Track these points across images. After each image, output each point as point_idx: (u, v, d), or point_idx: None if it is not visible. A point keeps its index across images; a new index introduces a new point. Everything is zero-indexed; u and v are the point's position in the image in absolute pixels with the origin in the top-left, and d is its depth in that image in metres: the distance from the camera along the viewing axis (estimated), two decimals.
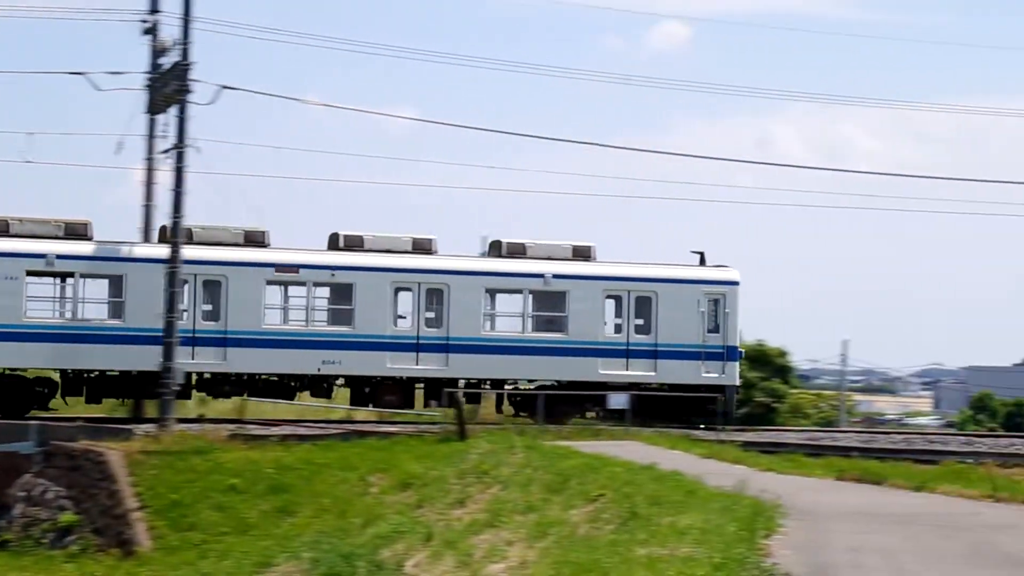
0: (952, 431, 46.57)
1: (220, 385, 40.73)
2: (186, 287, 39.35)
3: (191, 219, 38.91)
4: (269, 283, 40.94)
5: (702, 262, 44.37)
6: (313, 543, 26.66)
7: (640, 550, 18.88)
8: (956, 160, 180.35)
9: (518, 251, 43.15)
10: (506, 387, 43.07)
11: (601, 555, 18.95)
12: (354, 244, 41.85)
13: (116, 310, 39.84)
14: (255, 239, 41.16)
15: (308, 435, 37.25)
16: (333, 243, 42.27)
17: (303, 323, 41.17)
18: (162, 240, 40.11)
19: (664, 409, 42.49)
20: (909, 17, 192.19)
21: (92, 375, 40.25)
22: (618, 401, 41.59)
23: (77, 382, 40.17)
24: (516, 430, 35.07)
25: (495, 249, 43.63)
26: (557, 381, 42.74)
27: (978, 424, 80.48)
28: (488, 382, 42.51)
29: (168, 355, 37.44)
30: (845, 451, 37.58)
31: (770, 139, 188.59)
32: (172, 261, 37.49)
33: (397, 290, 41.69)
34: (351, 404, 42.78)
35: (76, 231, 39.79)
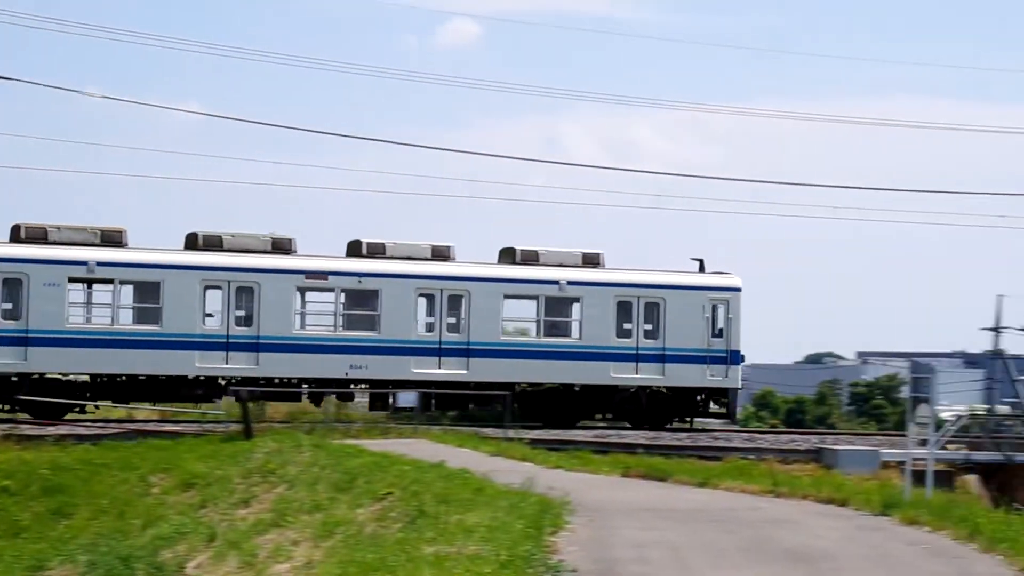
0: (735, 428, 47.47)
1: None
2: (220, 293, 40.46)
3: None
4: (299, 289, 41.84)
5: (701, 269, 45.49)
6: (90, 546, 25.92)
7: (427, 548, 18.70)
8: (744, 160, 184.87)
9: (531, 258, 44.14)
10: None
11: (388, 554, 18.73)
12: (376, 251, 42.69)
13: (153, 316, 40.32)
14: (282, 246, 41.90)
15: (87, 435, 36.29)
16: (355, 250, 42.97)
17: (331, 328, 42.01)
18: (187, 246, 41.18)
19: (667, 409, 44.02)
20: (697, 19, 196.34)
21: (121, 379, 40.29)
22: (407, 399, 41.39)
23: (110, 386, 40.33)
24: (305, 429, 34.67)
25: (508, 256, 44.35)
26: (568, 385, 43.68)
27: (760, 421, 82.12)
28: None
29: None
30: (631, 448, 37.90)
31: (561, 139, 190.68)
32: None
33: (420, 296, 42.60)
34: (371, 408, 42.77)
35: (112, 238, 40.38)
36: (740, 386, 45.58)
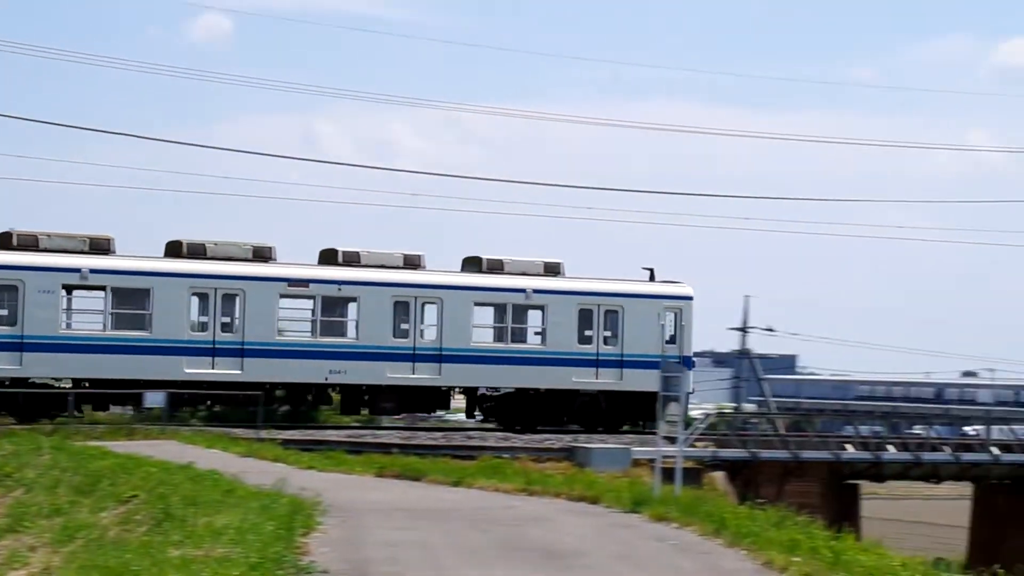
0: (491, 427, 47.97)
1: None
2: (207, 300, 41.76)
3: None
4: (282, 296, 42.84)
5: (652, 278, 47.20)
6: None
7: (174, 551, 18.16)
8: (502, 161, 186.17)
9: (497, 267, 45.80)
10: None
11: (132, 558, 18.12)
12: (352, 259, 44.05)
13: (141, 322, 41.22)
14: (263, 254, 43.08)
15: None
16: (330, 258, 44.22)
17: (311, 335, 43.22)
18: (168, 254, 42.30)
19: (624, 413, 45.92)
20: (455, 20, 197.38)
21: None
22: (154, 400, 40.52)
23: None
24: (47, 431, 33.55)
25: (474, 264, 45.85)
26: (535, 389, 45.43)
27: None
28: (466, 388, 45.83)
29: None
30: (386, 448, 37.73)
31: (316, 136, 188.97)
32: None
33: (396, 303, 43.79)
34: (344, 412, 45.12)
35: (100, 246, 41.19)
36: (692, 390, 45.49)
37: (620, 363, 45.59)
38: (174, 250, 42.47)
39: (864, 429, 49.08)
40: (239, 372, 41.84)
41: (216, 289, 41.87)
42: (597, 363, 45.54)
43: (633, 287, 46.63)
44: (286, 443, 36.54)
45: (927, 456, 45.29)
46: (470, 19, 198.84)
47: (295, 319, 43.84)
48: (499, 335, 45.31)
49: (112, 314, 41.19)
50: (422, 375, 43.85)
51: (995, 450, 46.33)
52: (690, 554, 20.05)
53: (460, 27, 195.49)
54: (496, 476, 30.07)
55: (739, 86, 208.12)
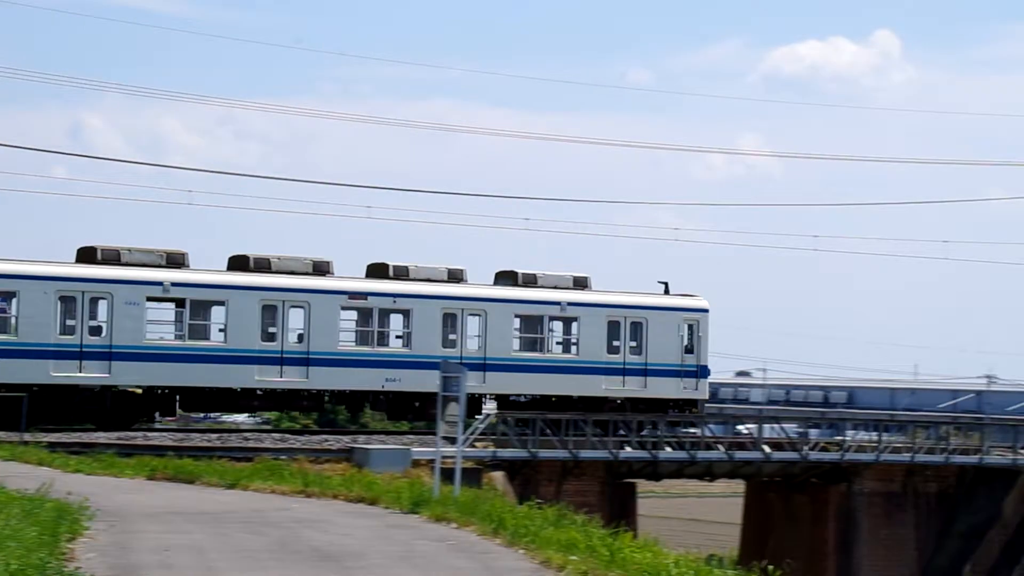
0: (268, 428, 47.19)
1: (300, 400, 44.53)
2: (275, 312, 43.64)
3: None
4: (343, 308, 44.72)
5: (666, 291, 49.68)
6: None
7: None
8: (280, 158, 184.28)
9: (531, 281, 48.17)
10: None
11: None
12: (401, 274, 46.29)
13: (220, 333, 43.06)
14: (322, 268, 44.97)
15: None
16: (381, 272, 46.27)
17: (368, 345, 45.06)
18: (232, 267, 44.02)
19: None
20: (231, 14, 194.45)
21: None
22: None
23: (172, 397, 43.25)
24: None
25: (509, 278, 48.01)
26: (568, 396, 47.31)
27: (292, 421, 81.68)
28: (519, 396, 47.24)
29: None
30: (159, 450, 36.85)
31: (83, 131, 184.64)
32: None
33: (444, 315, 45.90)
34: (392, 418, 48.09)
35: (176, 260, 42.97)
36: (707, 397, 49.98)
37: (644, 371, 48.28)
38: (240, 264, 44.30)
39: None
40: (305, 380, 43.85)
41: (284, 301, 43.81)
42: (624, 371, 48.13)
43: (655, 300, 49.30)
44: (52, 446, 35.40)
45: (702, 455, 45.99)
46: (241, 13, 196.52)
47: (354, 330, 45.46)
48: (536, 345, 47.59)
49: (190, 325, 42.86)
50: (469, 383, 43.09)
51: (767, 448, 47.28)
52: (468, 554, 19.96)
53: (233, 21, 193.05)
54: (273, 478, 29.60)
55: (517, 87, 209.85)
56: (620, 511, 41.77)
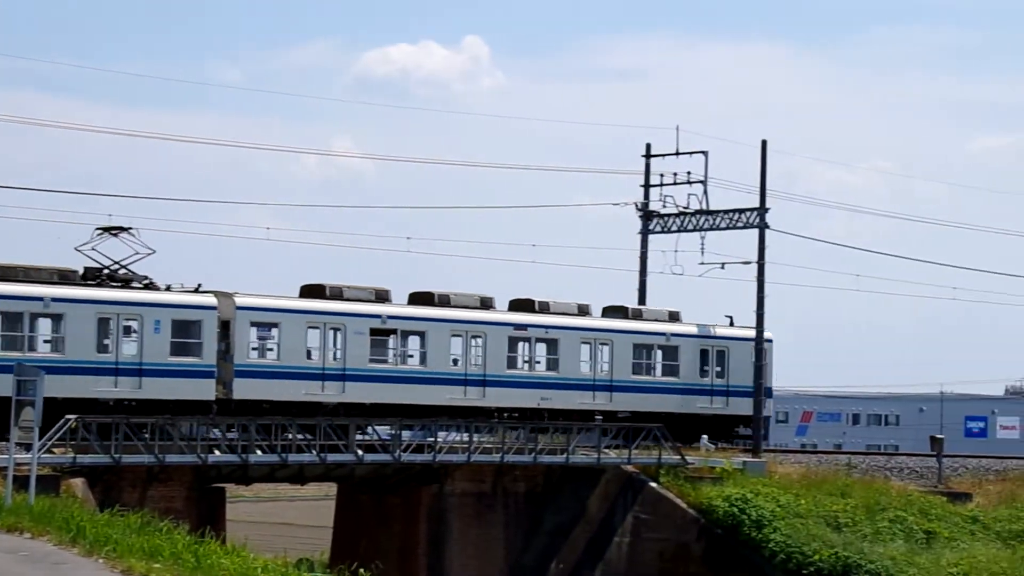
0: None
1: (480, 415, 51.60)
2: (461, 340, 51.44)
3: None
4: (510, 338, 52.71)
5: (731, 324, 58.33)
6: None
7: None
8: None
9: (638, 315, 56.94)
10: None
11: None
12: (545, 308, 54.08)
13: (421, 358, 50.81)
14: (488, 304, 52.95)
15: None
16: (527, 306, 53.95)
17: (528, 368, 53.35)
18: (413, 302, 51.70)
19: (719, 429, 57.29)
20: None
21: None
22: None
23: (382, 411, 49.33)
24: None
25: (619, 312, 56.71)
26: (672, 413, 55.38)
27: None
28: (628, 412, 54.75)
29: None
30: None
31: None
32: None
33: (582, 343, 54.35)
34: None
35: (383, 296, 50.52)
36: (772, 414, 60.14)
37: (727, 392, 57.56)
38: (423, 299, 51.84)
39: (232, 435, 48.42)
40: (483, 399, 51.60)
41: (467, 332, 51.58)
42: (711, 392, 57.31)
43: (734, 331, 58.19)
44: None
45: (293, 457, 45.23)
46: None
47: (518, 355, 53.28)
48: (646, 369, 56.05)
49: (401, 352, 50.50)
50: (600, 401, 54.45)
51: (360, 451, 46.95)
52: (43, 565, 18.74)
53: None
54: None
55: (110, 83, 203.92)
56: (209, 517, 40.63)
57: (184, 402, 45.13)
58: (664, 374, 56.51)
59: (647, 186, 62.63)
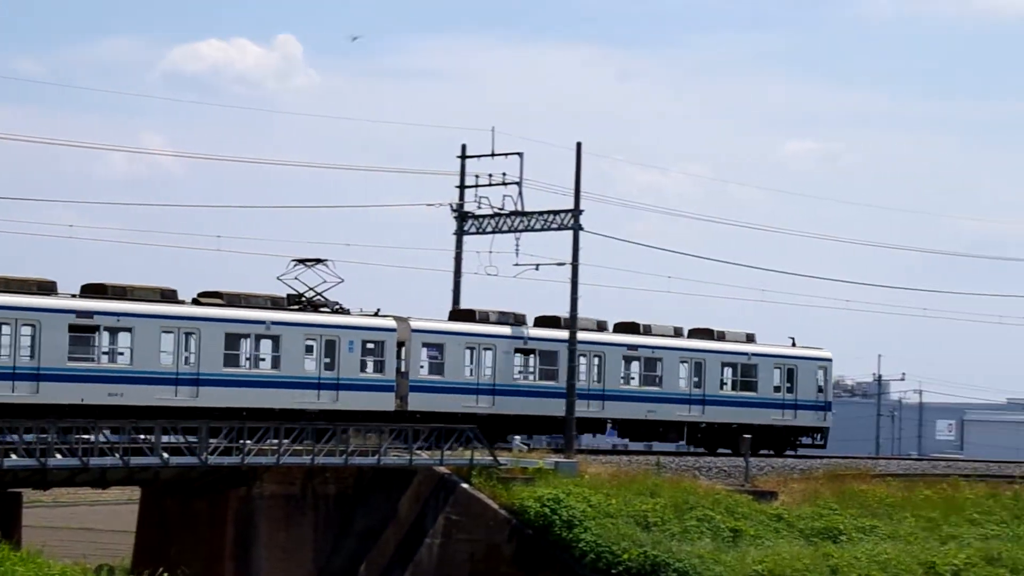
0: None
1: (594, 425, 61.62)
2: (585, 359, 59.56)
3: None
4: (623, 357, 61.32)
5: (793, 344, 67.02)
6: None
7: None
8: None
9: (722, 336, 64.69)
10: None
11: None
12: (647, 330, 62.47)
13: (555, 375, 58.60)
14: (603, 327, 61.59)
15: None
16: (633, 328, 62.29)
17: (638, 384, 61.76)
18: (538, 324, 59.59)
19: (787, 440, 66.29)
20: None
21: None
22: None
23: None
24: None
25: (706, 333, 64.33)
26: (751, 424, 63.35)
27: None
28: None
29: None
30: None
31: None
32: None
33: (681, 363, 62.65)
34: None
35: (520, 320, 58.25)
36: (831, 425, 67.62)
37: (795, 406, 65.62)
38: (551, 322, 59.27)
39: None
40: (602, 411, 60.10)
41: (589, 352, 59.65)
42: (783, 406, 65.15)
43: (802, 352, 66.86)
44: None
45: (95, 461, 43.93)
46: None
47: (632, 373, 61.51)
48: (732, 385, 64.35)
49: (538, 369, 58.80)
50: (694, 414, 62.60)
51: (165, 453, 45.80)
52: None
53: None
54: None
55: None
56: (4, 523, 39.27)
57: (369, 412, 52.90)
58: (744, 389, 64.59)
59: (462, 187, 62.45)
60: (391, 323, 54.18)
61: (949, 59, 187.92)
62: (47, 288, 47.11)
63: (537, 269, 59.40)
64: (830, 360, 67.84)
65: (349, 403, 52.37)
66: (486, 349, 56.83)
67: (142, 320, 48.07)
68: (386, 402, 53.69)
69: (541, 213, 59.79)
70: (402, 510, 50.73)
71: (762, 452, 62.85)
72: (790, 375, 65.61)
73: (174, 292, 49.79)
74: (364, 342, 53.14)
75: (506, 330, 57.41)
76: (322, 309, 53.54)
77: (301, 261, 53.93)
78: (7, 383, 45.43)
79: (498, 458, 51.84)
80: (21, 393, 45.48)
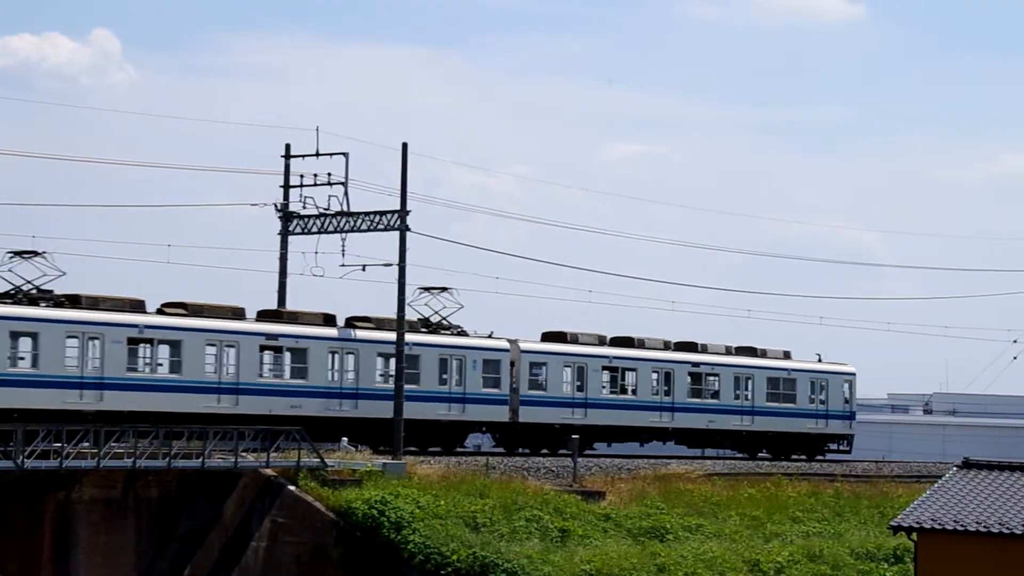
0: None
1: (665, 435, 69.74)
2: (656, 375, 68.40)
3: None
4: (688, 373, 69.43)
5: (819, 360, 75.05)
6: None
7: None
8: None
9: (763, 353, 73.43)
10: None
11: None
12: (704, 349, 70.93)
13: (630, 390, 67.77)
14: (668, 346, 70.23)
15: None
16: (691, 347, 70.32)
17: (702, 398, 70.21)
18: (612, 343, 68.35)
19: (819, 446, 74.77)
20: None
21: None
22: None
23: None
24: None
25: (750, 351, 73.15)
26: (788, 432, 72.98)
27: None
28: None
29: None
30: None
31: None
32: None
33: (735, 379, 71.33)
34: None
35: (603, 340, 67.43)
36: (854, 433, 75.97)
37: (826, 416, 74.14)
38: (625, 342, 67.76)
39: None
40: (671, 421, 68.02)
41: (662, 370, 68.20)
42: (816, 416, 73.71)
43: (831, 367, 75.06)
44: None
45: None
46: None
47: (698, 387, 69.68)
48: (776, 398, 72.36)
49: (619, 385, 66.82)
50: (745, 424, 70.93)
51: None
52: None
53: None
54: None
55: None
56: None
57: (487, 423, 62.62)
58: (785, 401, 72.55)
59: (287, 187, 61.79)
60: (505, 344, 62.78)
61: (770, 66, 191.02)
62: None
63: (364, 270, 58.94)
64: (854, 374, 76.21)
65: (473, 415, 61.37)
66: (579, 368, 64.85)
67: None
68: (501, 414, 62.31)
69: (367, 213, 59.38)
70: (227, 513, 49.97)
71: (794, 457, 72.41)
72: (822, 388, 74.31)
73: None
74: (485, 361, 61.56)
75: (594, 350, 65.68)
76: (443, 332, 61.46)
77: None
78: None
79: (325, 460, 51.33)
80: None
